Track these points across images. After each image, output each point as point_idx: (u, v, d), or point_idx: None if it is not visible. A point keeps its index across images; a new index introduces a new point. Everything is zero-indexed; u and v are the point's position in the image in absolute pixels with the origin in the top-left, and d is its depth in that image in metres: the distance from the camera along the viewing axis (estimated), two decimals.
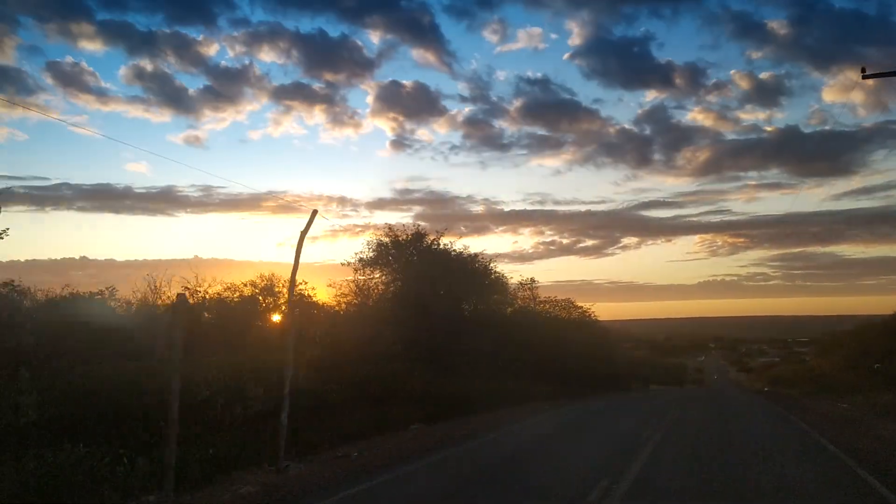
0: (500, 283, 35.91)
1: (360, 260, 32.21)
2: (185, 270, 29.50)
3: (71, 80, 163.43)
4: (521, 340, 35.78)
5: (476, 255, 33.95)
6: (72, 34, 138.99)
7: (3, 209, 12.63)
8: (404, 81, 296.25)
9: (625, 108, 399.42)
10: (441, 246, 33.23)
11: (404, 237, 32.58)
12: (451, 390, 23.47)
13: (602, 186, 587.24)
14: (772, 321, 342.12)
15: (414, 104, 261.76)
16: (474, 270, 33.49)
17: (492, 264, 34.66)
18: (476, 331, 31.33)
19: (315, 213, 13.59)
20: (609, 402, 30.30)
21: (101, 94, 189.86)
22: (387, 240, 32.41)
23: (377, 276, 32.13)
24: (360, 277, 31.95)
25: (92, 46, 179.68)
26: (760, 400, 33.79)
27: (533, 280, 47.96)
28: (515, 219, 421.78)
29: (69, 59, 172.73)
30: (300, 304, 29.74)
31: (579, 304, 50.17)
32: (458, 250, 33.53)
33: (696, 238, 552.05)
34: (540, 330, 37.47)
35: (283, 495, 10.23)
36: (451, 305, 31.99)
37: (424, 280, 31.68)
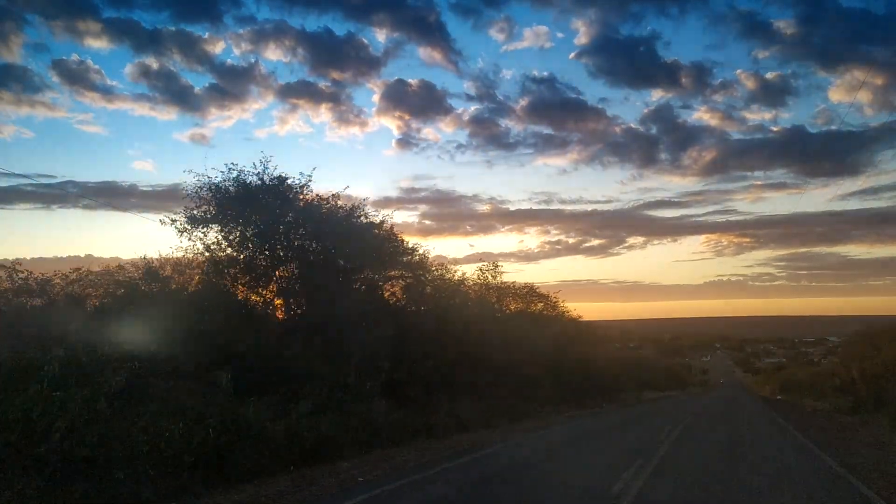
0: (406, 252, 23.92)
1: (191, 217, 20.29)
2: None
3: (77, 77, 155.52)
4: (450, 338, 23.87)
5: (355, 207, 22.00)
6: (78, 32, 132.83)
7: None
8: (410, 80, 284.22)
9: (631, 107, 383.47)
10: (310, 197, 21.37)
11: (255, 182, 20.56)
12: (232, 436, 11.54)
13: (608, 186, 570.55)
14: (777, 321, 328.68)
15: (420, 103, 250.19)
16: (358, 231, 21.53)
17: (384, 220, 22.77)
18: (351, 324, 19.46)
19: None
20: (542, 438, 17.97)
21: (107, 92, 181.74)
22: (228, 185, 20.42)
23: (211, 238, 20.25)
24: (185, 242, 20.11)
25: (98, 44, 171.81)
26: (789, 429, 21.50)
27: (496, 265, 36.03)
28: (521, 218, 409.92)
29: (75, 56, 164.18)
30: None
31: (544, 292, 38.09)
32: (334, 201, 21.60)
33: (702, 238, 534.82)
34: (463, 322, 25.28)
35: None
36: (319, 285, 20.11)
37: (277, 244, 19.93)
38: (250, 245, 20.23)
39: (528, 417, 25.24)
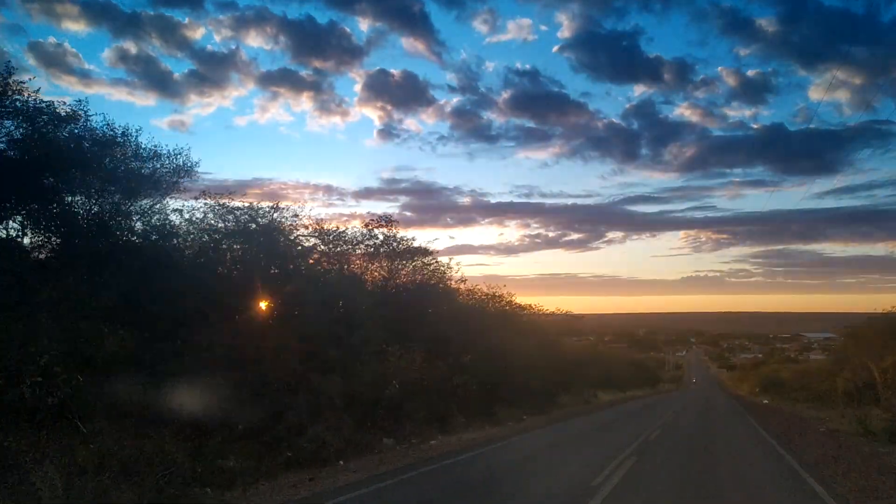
0: None
1: None
2: None
3: (54, 60, 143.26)
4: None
5: None
6: (55, 14, 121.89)
7: None
8: (393, 70, 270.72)
9: (613, 102, 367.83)
10: None
11: None
12: None
13: (589, 180, 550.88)
14: (752, 317, 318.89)
15: (402, 93, 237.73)
16: None
17: None
18: None
19: None
20: None
21: (85, 76, 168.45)
22: None
23: None
24: None
25: (76, 27, 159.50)
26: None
27: (391, 221, 23.63)
28: (502, 211, 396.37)
29: (52, 39, 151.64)
30: None
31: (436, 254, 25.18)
32: None
33: (681, 234, 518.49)
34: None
35: None
36: None
37: None
38: None
39: (329, 463, 12.53)
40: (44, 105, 13.83)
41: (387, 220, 24.50)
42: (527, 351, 32.48)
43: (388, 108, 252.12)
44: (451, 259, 25.54)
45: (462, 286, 27.69)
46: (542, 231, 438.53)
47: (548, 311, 41.01)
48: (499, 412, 23.65)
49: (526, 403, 28.47)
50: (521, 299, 39.64)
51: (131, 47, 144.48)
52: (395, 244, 24.60)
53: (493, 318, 29.27)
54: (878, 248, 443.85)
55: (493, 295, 32.83)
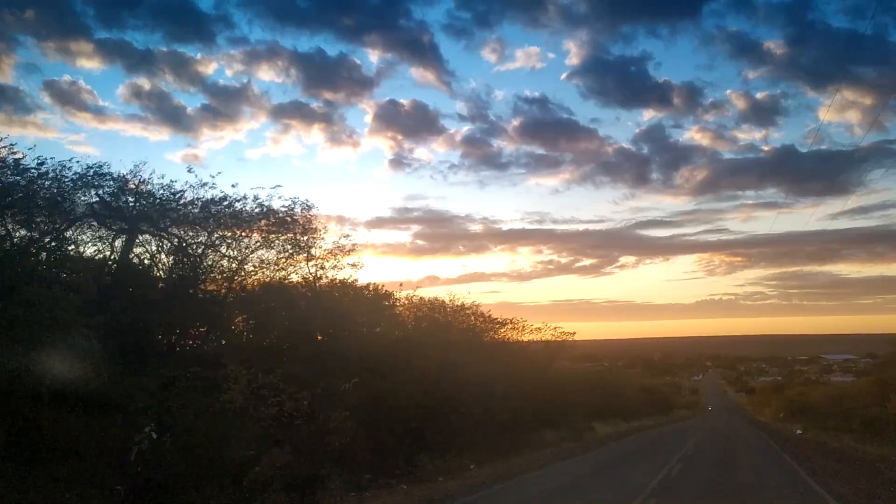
0: None
1: None
2: None
3: (69, 98, 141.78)
4: None
5: None
6: (70, 53, 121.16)
7: None
8: (403, 100, 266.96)
9: (622, 127, 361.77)
10: None
11: None
12: None
13: (600, 205, 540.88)
14: (769, 340, 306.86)
15: (412, 123, 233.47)
16: None
17: None
18: None
19: None
20: None
21: (99, 113, 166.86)
22: None
23: None
24: None
25: (90, 65, 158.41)
26: None
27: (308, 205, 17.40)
28: (514, 238, 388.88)
29: (67, 77, 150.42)
30: None
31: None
32: None
33: (694, 257, 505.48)
34: None
35: None
36: None
37: None
38: None
39: None
40: None
41: (305, 207, 18.40)
42: (496, 375, 25.04)
43: (399, 137, 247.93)
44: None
45: (398, 293, 20.80)
46: (554, 257, 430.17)
47: (533, 328, 33.47)
48: (427, 464, 16.19)
49: (486, 445, 21.00)
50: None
51: (145, 83, 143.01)
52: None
53: (437, 334, 21.97)
54: (895, 269, 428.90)
55: (453, 307, 25.69)
